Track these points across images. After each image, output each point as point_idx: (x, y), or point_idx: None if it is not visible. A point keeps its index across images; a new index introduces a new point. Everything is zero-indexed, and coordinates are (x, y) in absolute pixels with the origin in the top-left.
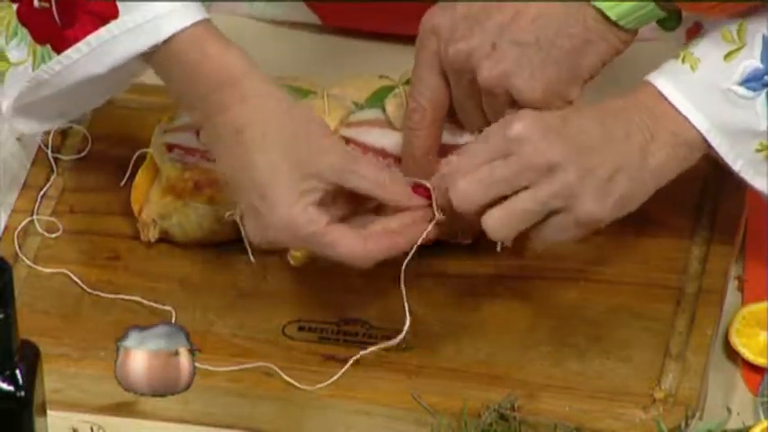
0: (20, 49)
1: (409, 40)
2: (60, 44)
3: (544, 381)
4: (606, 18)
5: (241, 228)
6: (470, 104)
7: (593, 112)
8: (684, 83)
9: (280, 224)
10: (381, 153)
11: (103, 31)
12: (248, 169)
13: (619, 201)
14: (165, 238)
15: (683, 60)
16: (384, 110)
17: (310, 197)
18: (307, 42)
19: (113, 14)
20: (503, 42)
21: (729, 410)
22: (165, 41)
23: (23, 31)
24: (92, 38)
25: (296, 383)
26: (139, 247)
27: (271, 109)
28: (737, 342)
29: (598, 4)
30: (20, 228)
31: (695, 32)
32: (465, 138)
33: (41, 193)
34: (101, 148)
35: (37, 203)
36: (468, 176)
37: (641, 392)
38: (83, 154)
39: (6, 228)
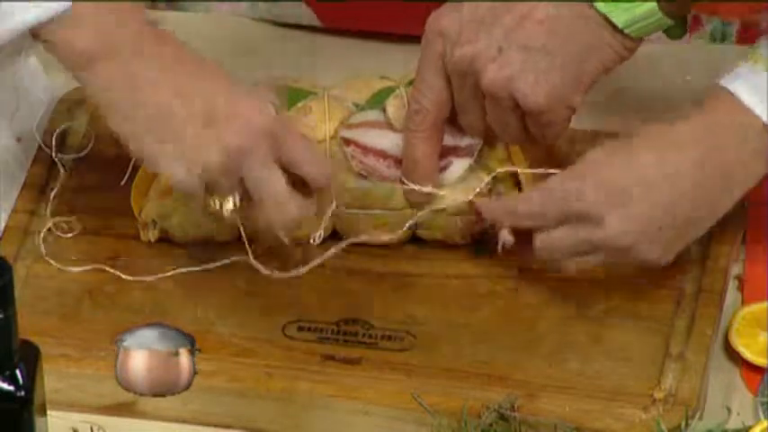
0: None
1: (409, 40)
2: None
3: (544, 381)
4: (613, 25)
5: (240, 228)
6: (473, 108)
7: (696, 155)
8: None
9: (241, 117)
10: (382, 154)
11: None
12: (196, 90)
13: (680, 246)
14: (165, 238)
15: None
16: (385, 111)
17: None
18: (307, 42)
19: None
20: (509, 47)
21: (729, 410)
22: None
23: None
24: None
25: (296, 383)
26: (139, 247)
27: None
28: (737, 342)
29: (605, 11)
30: (20, 228)
31: (693, 28)
32: (466, 141)
33: (42, 193)
34: (101, 147)
35: (37, 203)
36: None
37: (641, 392)
38: (83, 154)
39: (6, 228)
